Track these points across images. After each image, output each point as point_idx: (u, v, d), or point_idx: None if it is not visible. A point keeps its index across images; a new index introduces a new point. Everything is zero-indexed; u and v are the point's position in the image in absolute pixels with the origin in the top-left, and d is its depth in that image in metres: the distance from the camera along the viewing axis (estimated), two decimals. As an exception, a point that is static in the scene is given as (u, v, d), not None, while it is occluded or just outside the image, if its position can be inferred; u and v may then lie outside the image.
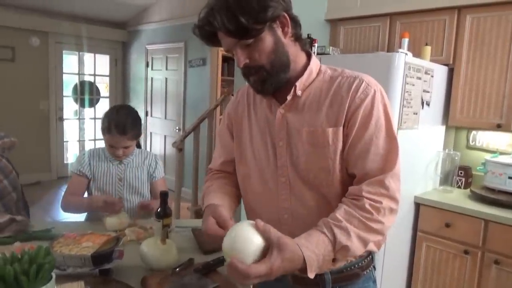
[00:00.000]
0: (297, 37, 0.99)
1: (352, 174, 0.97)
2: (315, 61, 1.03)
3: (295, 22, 0.97)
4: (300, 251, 0.81)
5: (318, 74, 1.02)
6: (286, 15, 0.94)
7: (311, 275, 0.83)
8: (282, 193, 1.03)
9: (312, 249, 0.83)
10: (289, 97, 1.00)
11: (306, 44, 1.03)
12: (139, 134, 1.81)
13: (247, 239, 0.81)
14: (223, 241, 0.84)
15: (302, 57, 1.02)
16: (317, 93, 1.00)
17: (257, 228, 0.83)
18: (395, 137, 0.96)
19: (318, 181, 0.98)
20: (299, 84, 0.99)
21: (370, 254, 1.08)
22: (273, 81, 0.97)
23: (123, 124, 1.71)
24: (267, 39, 0.93)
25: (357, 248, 0.89)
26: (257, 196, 1.09)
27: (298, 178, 1.00)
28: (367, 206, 0.90)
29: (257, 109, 1.10)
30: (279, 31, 0.94)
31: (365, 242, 0.90)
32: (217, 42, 0.97)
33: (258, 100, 1.10)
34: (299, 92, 1.00)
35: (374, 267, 1.11)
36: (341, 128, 0.95)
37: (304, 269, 0.82)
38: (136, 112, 1.84)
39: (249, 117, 1.11)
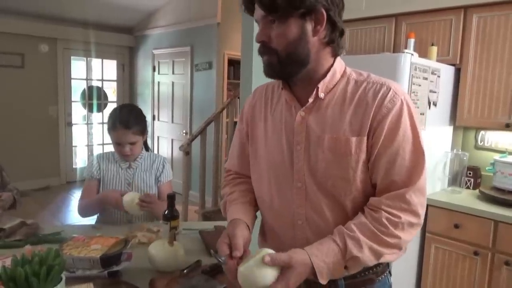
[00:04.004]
0: (330, 42, 0.94)
1: (375, 184, 0.95)
2: (339, 63, 0.99)
3: (334, 26, 0.92)
4: (310, 260, 0.85)
5: (342, 76, 0.98)
6: (324, 14, 0.89)
7: (322, 281, 0.86)
8: (297, 199, 1.00)
9: (322, 258, 0.86)
10: (310, 100, 0.96)
11: (340, 51, 0.98)
12: (144, 130, 1.82)
13: (261, 277, 0.83)
14: (238, 276, 0.86)
15: (329, 61, 0.97)
16: (341, 97, 0.96)
17: (267, 263, 0.83)
18: (422, 150, 0.92)
19: (336, 189, 0.95)
20: (322, 86, 0.96)
21: None
22: (282, 70, 0.95)
23: (126, 118, 1.74)
24: (293, 27, 0.90)
25: (369, 260, 0.89)
26: (270, 200, 1.06)
27: (315, 184, 0.97)
28: (383, 219, 0.89)
29: (274, 109, 1.06)
30: (309, 26, 0.90)
31: (378, 255, 0.90)
32: (253, 10, 0.96)
33: (276, 99, 1.07)
34: (321, 95, 0.96)
35: (390, 272, 1.08)
36: (365, 138, 0.92)
37: (316, 276, 0.85)
38: (140, 109, 1.86)
39: (266, 117, 1.08)
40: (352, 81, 0.97)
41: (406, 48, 2.36)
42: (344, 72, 0.99)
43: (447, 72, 2.40)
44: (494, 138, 2.55)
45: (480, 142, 2.61)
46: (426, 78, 2.22)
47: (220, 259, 0.91)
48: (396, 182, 0.91)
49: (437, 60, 2.37)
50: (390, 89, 0.93)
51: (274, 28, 0.91)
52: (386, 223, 0.88)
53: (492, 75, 2.29)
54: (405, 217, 0.90)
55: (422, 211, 0.92)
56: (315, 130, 0.96)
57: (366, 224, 0.89)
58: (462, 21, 2.36)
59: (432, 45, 2.41)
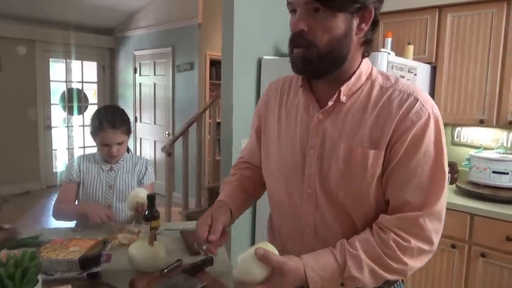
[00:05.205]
0: (367, 41, 0.88)
1: (387, 201, 0.88)
2: (366, 64, 0.91)
3: (375, 26, 0.87)
4: (304, 272, 0.80)
5: (367, 78, 0.90)
6: (373, 11, 0.84)
7: None
8: (306, 205, 0.94)
9: (318, 272, 0.80)
10: (330, 103, 0.88)
11: (370, 52, 0.91)
12: (129, 130, 1.81)
13: (251, 271, 0.81)
14: (233, 272, 0.85)
15: (359, 62, 0.90)
16: (363, 103, 0.88)
17: (257, 256, 0.79)
18: (444, 172, 0.84)
19: (347, 202, 0.88)
20: (345, 89, 0.88)
21: None
22: (319, 68, 0.84)
23: (112, 118, 1.72)
24: (340, 23, 0.81)
25: (368, 282, 0.82)
26: (280, 201, 1.02)
27: (325, 193, 0.90)
28: (390, 241, 0.82)
29: (290, 105, 0.99)
30: (355, 24, 0.83)
31: (378, 278, 0.83)
32: None
33: (292, 95, 1.00)
34: (343, 98, 0.88)
35: (402, 281, 1.00)
36: (383, 152, 0.84)
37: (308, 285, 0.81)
38: (123, 110, 1.85)
39: (279, 115, 1.01)
40: (377, 86, 0.89)
41: (383, 47, 2.40)
42: (370, 74, 0.91)
43: (423, 70, 2.45)
44: (469, 134, 2.62)
45: (457, 138, 2.68)
46: (403, 76, 2.26)
47: (201, 250, 0.92)
48: (409, 203, 0.83)
49: (414, 59, 2.42)
50: (417, 100, 0.84)
51: (319, 19, 0.81)
52: (393, 245, 0.81)
53: (467, 73, 2.35)
54: (416, 243, 0.82)
55: (436, 239, 0.85)
56: (332, 136, 0.89)
57: (372, 243, 0.82)
58: (437, 21, 2.42)
59: (409, 44, 2.46)
